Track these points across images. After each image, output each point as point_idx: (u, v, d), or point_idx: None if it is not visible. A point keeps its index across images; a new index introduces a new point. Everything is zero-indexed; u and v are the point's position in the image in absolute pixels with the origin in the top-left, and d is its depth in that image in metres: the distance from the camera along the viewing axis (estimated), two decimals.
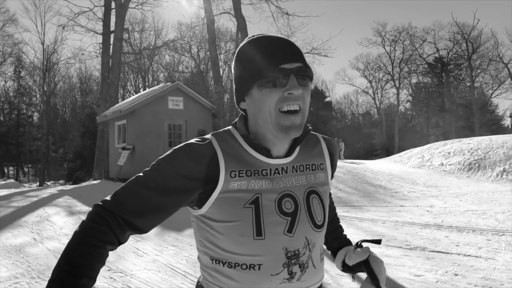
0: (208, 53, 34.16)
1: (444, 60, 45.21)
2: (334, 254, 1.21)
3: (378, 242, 1.12)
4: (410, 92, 50.83)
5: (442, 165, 16.52)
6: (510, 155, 15.42)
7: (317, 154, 1.11)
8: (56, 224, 7.78)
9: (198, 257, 1.07)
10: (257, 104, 0.98)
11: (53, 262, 5.18)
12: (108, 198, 0.98)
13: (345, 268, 1.15)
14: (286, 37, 1.03)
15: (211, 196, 0.96)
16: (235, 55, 1.06)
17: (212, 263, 1.00)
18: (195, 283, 1.11)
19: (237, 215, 0.96)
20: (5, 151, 43.86)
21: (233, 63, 1.06)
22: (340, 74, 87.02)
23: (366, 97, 57.82)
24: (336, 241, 1.23)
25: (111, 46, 23.19)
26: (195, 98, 15.61)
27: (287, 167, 1.03)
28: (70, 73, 60.30)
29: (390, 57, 48.37)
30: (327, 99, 56.20)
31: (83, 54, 35.66)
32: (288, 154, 1.04)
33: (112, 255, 5.46)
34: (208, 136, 1.02)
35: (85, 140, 33.72)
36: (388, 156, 25.20)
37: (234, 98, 1.07)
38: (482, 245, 5.71)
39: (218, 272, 1.00)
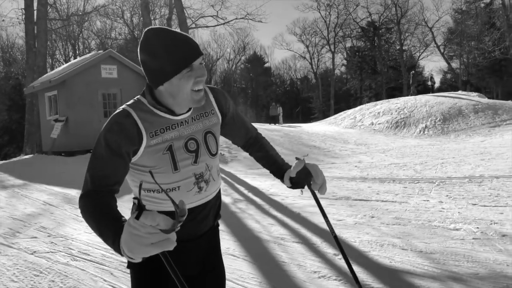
0: (141, 18, 32.93)
1: (376, 24, 46.80)
2: (281, 178, 1.68)
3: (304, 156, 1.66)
4: (345, 56, 52.38)
5: (372, 124, 17.58)
6: (431, 113, 16.73)
7: (207, 104, 1.53)
8: None
9: (134, 192, 1.50)
10: (176, 88, 1.33)
11: None
12: (83, 187, 1.30)
13: (293, 184, 1.65)
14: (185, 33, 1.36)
15: (139, 151, 1.36)
16: (145, 46, 1.34)
17: (145, 191, 1.44)
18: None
19: (159, 161, 1.39)
20: None
21: (142, 53, 1.34)
22: (278, 39, 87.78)
23: (303, 62, 58.77)
24: (275, 167, 1.71)
25: (35, 12, 21.70)
26: (130, 66, 15.23)
27: (187, 119, 1.44)
28: None
29: (325, 21, 49.08)
30: (266, 65, 56.56)
31: (3, 20, 32.80)
32: (188, 110, 1.45)
33: (51, 223, 5.52)
34: (128, 109, 1.36)
35: (12, 114, 31.84)
36: (324, 118, 26.23)
37: (149, 80, 1.37)
38: (399, 192, 6.40)
39: (150, 197, 1.44)
